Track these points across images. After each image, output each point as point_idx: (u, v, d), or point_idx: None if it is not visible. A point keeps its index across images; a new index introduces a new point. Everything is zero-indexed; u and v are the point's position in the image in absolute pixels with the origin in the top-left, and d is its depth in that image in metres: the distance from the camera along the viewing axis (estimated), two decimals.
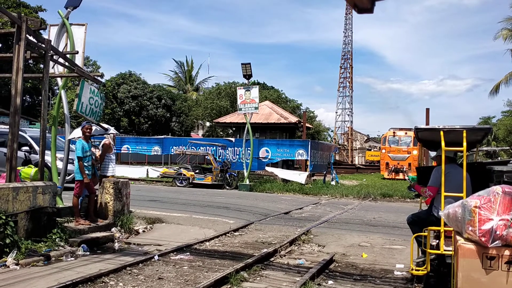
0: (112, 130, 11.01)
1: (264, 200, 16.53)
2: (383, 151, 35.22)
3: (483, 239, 3.92)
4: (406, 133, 34.48)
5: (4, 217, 6.66)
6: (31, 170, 9.45)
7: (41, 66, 9.20)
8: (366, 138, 79.38)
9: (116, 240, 8.57)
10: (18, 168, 8.72)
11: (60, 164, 10.62)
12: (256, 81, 46.35)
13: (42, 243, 7.28)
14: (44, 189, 7.68)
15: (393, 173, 33.41)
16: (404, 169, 33.24)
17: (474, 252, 3.99)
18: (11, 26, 8.25)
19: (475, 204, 4.02)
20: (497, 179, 5.34)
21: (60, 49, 10.11)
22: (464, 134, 5.58)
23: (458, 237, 4.25)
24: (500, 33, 30.38)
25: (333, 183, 24.45)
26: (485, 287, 3.91)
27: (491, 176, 5.53)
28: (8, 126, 7.84)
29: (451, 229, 4.71)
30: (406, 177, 29.69)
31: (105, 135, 10.82)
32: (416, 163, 30.48)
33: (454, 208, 4.37)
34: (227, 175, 21.26)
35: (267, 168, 24.64)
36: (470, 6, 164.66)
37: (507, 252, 3.88)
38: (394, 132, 34.98)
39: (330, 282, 6.43)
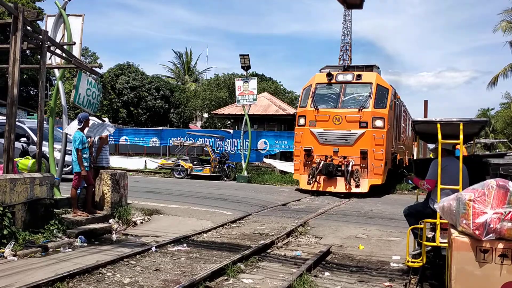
0: (109, 128, 10.60)
1: (262, 191, 16.56)
2: (301, 121, 16.98)
3: (477, 232, 3.94)
4: (358, 76, 16.24)
5: (1, 209, 6.67)
6: (28, 161, 9.47)
7: (39, 56, 9.16)
8: None
9: (113, 232, 8.60)
10: (16, 159, 8.72)
11: (58, 155, 10.62)
12: (254, 73, 46.14)
13: (40, 234, 7.30)
14: (41, 180, 7.69)
15: (323, 177, 15.74)
16: (351, 167, 15.34)
17: (468, 245, 4.01)
18: (8, 16, 8.23)
19: (469, 197, 4.04)
20: (493, 172, 5.37)
21: (57, 40, 10.08)
22: (461, 127, 5.60)
23: (452, 230, 4.27)
24: (500, 25, 30.25)
25: None
26: (479, 280, 3.94)
27: (488, 169, 5.56)
28: (5, 117, 7.82)
29: (447, 221, 4.73)
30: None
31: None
32: (383, 149, 15.49)
33: (449, 201, 4.39)
34: (225, 167, 21.29)
35: (265, 160, 24.70)
36: None
37: (500, 245, 3.90)
38: (329, 75, 16.49)
39: (326, 273, 6.46)
